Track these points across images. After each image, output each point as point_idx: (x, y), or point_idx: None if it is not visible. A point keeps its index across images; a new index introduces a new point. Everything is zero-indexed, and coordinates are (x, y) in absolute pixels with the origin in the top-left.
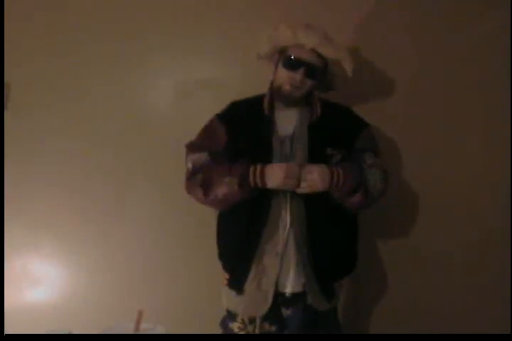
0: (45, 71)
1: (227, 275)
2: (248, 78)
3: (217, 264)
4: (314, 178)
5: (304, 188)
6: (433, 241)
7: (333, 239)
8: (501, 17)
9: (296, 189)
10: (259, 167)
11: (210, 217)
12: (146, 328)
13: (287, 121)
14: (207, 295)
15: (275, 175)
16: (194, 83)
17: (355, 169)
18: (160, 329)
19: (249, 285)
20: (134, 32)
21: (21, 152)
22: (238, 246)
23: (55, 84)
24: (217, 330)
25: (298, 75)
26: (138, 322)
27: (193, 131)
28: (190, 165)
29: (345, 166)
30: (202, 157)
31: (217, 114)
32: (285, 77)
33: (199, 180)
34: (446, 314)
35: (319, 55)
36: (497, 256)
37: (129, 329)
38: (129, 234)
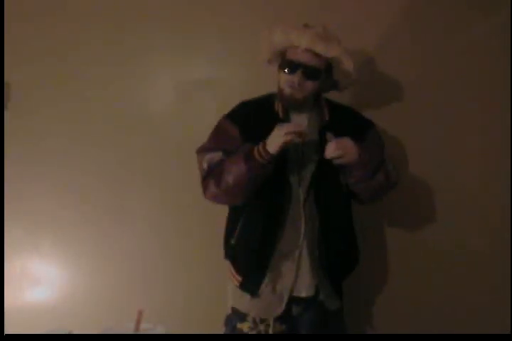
0: (45, 71)
1: (239, 278)
2: (248, 78)
3: (217, 264)
4: (347, 143)
5: (337, 151)
6: (433, 240)
7: (342, 238)
8: (501, 17)
9: (326, 154)
10: (261, 143)
11: (210, 216)
12: (146, 328)
13: (299, 123)
14: (207, 295)
15: (275, 138)
16: (194, 83)
17: (378, 151)
18: (160, 329)
19: (264, 289)
20: (134, 32)
21: (21, 152)
22: (255, 251)
23: (55, 84)
24: (217, 330)
25: (295, 77)
26: (138, 322)
27: (192, 131)
28: (205, 165)
29: (370, 148)
30: (217, 156)
31: (227, 115)
32: (284, 80)
33: (213, 175)
34: (446, 314)
35: (319, 55)
36: (497, 256)
37: (129, 329)
38: (129, 234)
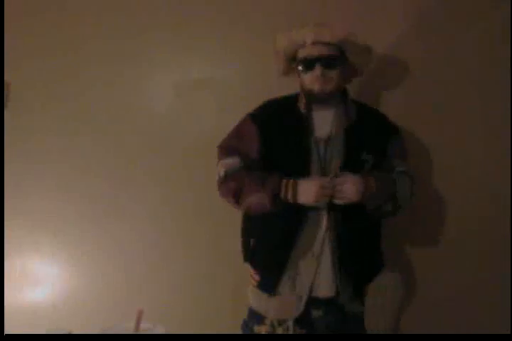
0: (45, 71)
1: (257, 277)
2: (248, 78)
3: (218, 264)
4: (349, 189)
5: (340, 200)
6: (433, 240)
7: (366, 240)
8: (501, 17)
9: (332, 200)
10: (291, 182)
11: (211, 216)
12: (146, 328)
13: (323, 123)
14: (207, 295)
15: (308, 192)
16: (194, 83)
17: (388, 179)
18: (160, 329)
19: (283, 288)
20: (134, 32)
21: (21, 152)
22: (274, 249)
23: (55, 84)
24: (218, 330)
25: (317, 71)
26: (138, 322)
27: (193, 131)
28: (222, 172)
29: (377, 176)
30: (235, 163)
31: (250, 114)
32: (309, 79)
33: (232, 189)
34: (446, 314)
35: (328, 43)
36: (497, 255)
37: (129, 329)
38: (129, 234)
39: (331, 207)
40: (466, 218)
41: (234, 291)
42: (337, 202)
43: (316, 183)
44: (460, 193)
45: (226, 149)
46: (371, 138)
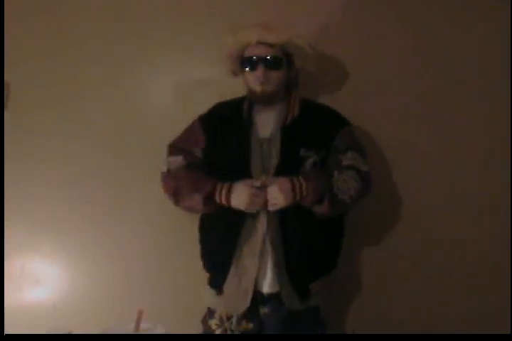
0: (45, 71)
1: (207, 274)
2: None
3: None
4: (277, 197)
5: (271, 206)
6: (433, 240)
7: (308, 240)
8: (501, 17)
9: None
10: (226, 186)
11: None
12: (146, 328)
13: (267, 123)
14: None
15: (240, 198)
16: (194, 83)
17: (322, 179)
18: (160, 330)
19: (229, 285)
20: (134, 32)
21: (21, 152)
22: (217, 247)
23: (55, 84)
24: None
25: (259, 72)
26: (138, 322)
27: None
28: (164, 169)
29: (309, 176)
30: (177, 162)
31: (200, 116)
32: (251, 79)
33: (171, 188)
34: (446, 314)
35: (273, 45)
36: (497, 256)
37: (129, 329)
38: (129, 234)
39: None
40: (466, 217)
41: None
42: (269, 208)
43: (247, 191)
44: (459, 193)
45: (172, 148)
46: (313, 134)
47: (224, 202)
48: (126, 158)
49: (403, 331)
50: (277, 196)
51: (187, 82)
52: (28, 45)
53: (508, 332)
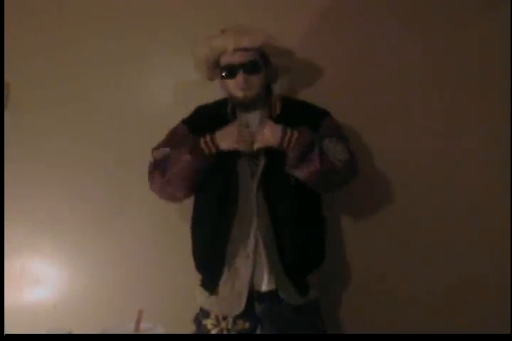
0: (45, 71)
1: (199, 276)
2: None
3: None
4: (265, 132)
5: (259, 143)
6: (433, 239)
7: (299, 234)
8: (501, 17)
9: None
10: (209, 136)
11: None
12: (146, 328)
13: (251, 125)
14: None
15: (227, 137)
16: (194, 83)
17: (312, 133)
18: (160, 329)
19: (223, 287)
20: (135, 32)
21: (21, 152)
22: (208, 248)
23: (55, 84)
24: None
25: (239, 78)
26: (138, 322)
27: None
28: (152, 160)
29: (302, 128)
30: (164, 150)
31: (183, 119)
32: (233, 86)
33: (159, 167)
34: (446, 314)
35: (249, 49)
36: (497, 255)
37: (129, 329)
38: (129, 234)
39: (260, 202)
40: (466, 217)
41: None
42: (255, 145)
43: (233, 129)
44: (459, 193)
45: (158, 147)
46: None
47: (212, 148)
48: (126, 158)
49: (401, 331)
50: (266, 133)
51: (187, 82)
52: (28, 45)
53: (508, 332)
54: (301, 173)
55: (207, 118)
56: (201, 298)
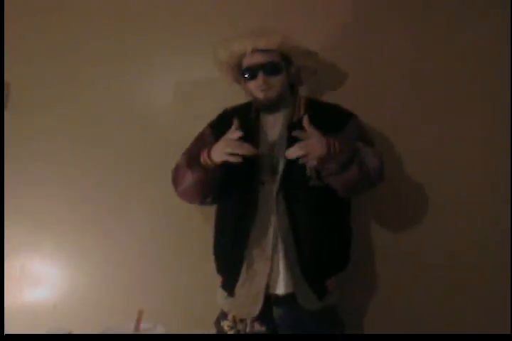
0: (45, 71)
1: (220, 277)
2: None
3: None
4: (314, 142)
5: (299, 152)
6: (432, 239)
7: (320, 236)
8: (501, 17)
9: (287, 155)
10: (208, 148)
11: (210, 217)
12: (146, 328)
13: (275, 126)
14: (207, 295)
15: (216, 150)
16: (194, 83)
17: (350, 142)
18: (160, 329)
19: (240, 289)
20: (134, 32)
21: (21, 152)
22: (228, 250)
23: (55, 84)
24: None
25: (260, 79)
26: (138, 322)
27: (192, 131)
28: (174, 168)
29: (337, 138)
30: (180, 162)
31: (209, 122)
32: (253, 88)
33: (173, 178)
34: (446, 314)
35: (267, 50)
36: (497, 255)
37: (129, 329)
38: (129, 234)
39: (280, 205)
40: (467, 217)
41: None
42: (294, 153)
43: (221, 142)
44: (459, 192)
45: (186, 155)
46: (321, 131)
47: (208, 161)
48: (126, 158)
49: (401, 331)
50: (315, 144)
51: (187, 82)
52: (28, 45)
53: (508, 332)
54: (337, 181)
55: (230, 123)
56: (221, 299)
